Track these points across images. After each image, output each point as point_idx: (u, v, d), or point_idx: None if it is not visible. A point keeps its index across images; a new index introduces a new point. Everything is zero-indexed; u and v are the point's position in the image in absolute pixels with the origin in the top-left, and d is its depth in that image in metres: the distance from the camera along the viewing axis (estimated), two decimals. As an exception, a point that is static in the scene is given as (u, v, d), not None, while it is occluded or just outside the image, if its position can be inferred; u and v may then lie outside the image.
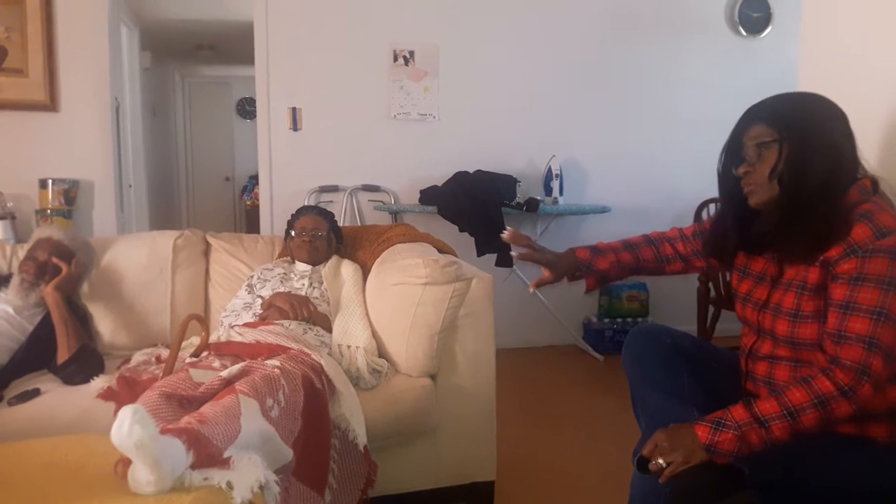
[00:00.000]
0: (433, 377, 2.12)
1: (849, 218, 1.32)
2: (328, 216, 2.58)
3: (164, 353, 2.13)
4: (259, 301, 2.29)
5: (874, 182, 1.41)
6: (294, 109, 3.93)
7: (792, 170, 1.37)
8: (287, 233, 2.56)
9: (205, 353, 1.96)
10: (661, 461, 1.32)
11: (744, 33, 4.37)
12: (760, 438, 1.29)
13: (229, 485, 1.29)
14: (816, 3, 2.18)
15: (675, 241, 1.72)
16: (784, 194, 1.38)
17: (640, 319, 4.15)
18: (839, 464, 1.34)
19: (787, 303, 1.42)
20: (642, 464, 1.36)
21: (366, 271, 2.45)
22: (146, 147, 5.60)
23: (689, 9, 4.31)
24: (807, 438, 1.33)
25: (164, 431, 1.29)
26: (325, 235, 2.51)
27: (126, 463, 1.25)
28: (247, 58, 4.25)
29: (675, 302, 4.12)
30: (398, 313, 2.11)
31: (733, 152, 1.49)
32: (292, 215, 2.61)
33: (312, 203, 3.89)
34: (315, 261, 2.47)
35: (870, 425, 1.36)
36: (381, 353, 2.17)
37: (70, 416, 1.83)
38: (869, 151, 1.88)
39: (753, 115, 1.45)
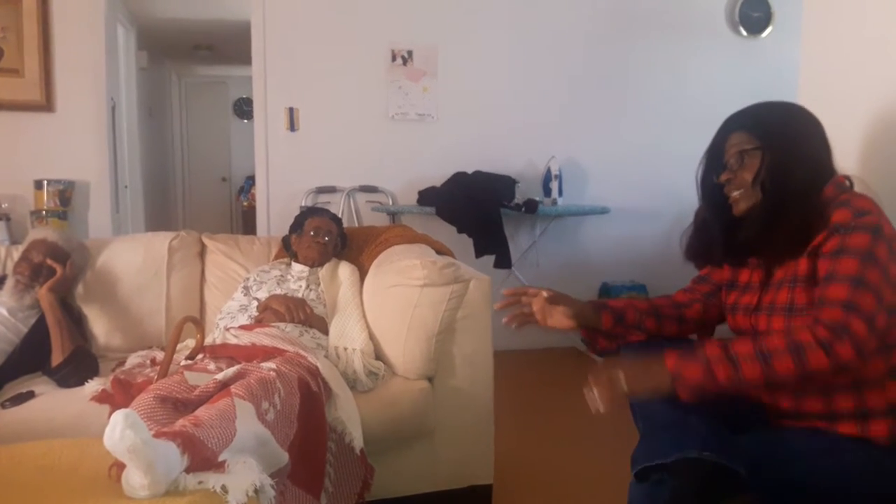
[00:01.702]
0: (430, 380, 2.11)
1: (826, 211, 1.34)
2: (338, 221, 2.58)
3: (159, 355, 2.12)
4: (255, 303, 2.28)
5: (849, 179, 1.43)
6: (291, 110, 3.92)
7: (774, 176, 1.39)
8: (293, 230, 2.54)
9: (200, 356, 1.95)
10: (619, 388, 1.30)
11: (744, 33, 4.36)
12: (728, 377, 1.26)
13: (224, 488, 1.28)
14: (817, 4, 2.17)
15: (683, 291, 1.69)
16: (767, 199, 1.40)
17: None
18: (839, 466, 1.33)
19: (780, 299, 1.41)
20: (642, 472, 1.34)
21: (363, 273, 2.44)
22: (142, 147, 5.59)
23: (689, 8, 4.30)
24: (806, 439, 1.32)
25: (158, 435, 1.28)
26: (334, 240, 2.51)
27: (120, 466, 1.25)
28: (244, 58, 4.23)
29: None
30: (395, 315, 2.10)
31: (714, 160, 1.51)
32: (302, 214, 2.60)
33: (309, 204, 3.88)
34: (320, 262, 2.46)
35: (870, 424, 1.35)
36: (378, 355, 2.16)
37: (64, 419, 1.82)
38: (866, 152, 1.89)
39: (734, 124, 1.48)
